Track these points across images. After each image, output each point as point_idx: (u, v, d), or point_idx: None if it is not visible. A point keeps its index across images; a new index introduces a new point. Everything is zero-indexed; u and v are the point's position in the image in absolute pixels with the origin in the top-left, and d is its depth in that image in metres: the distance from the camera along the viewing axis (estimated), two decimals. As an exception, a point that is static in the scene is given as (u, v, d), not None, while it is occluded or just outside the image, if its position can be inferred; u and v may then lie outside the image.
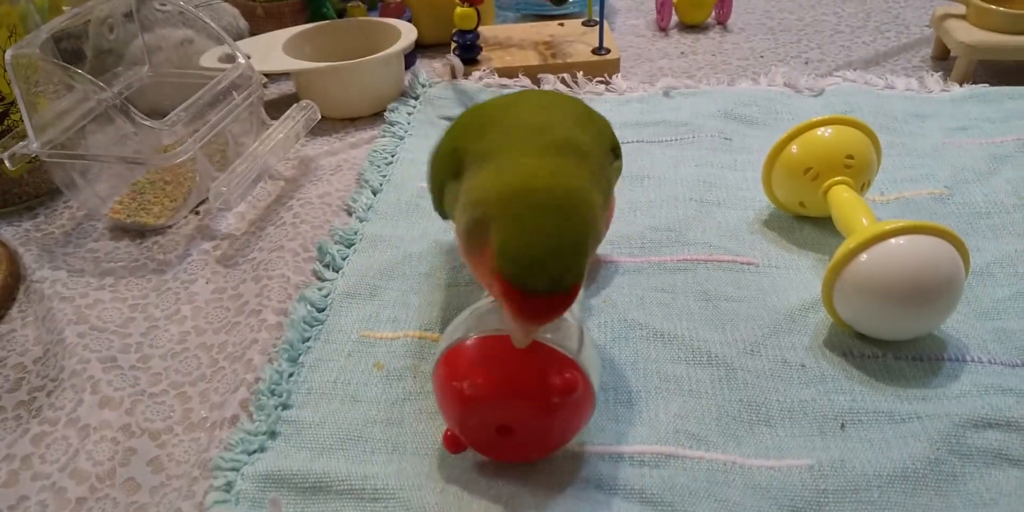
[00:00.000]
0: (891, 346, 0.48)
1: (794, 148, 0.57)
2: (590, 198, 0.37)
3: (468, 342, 0.40)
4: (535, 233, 0.35)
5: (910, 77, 0.81)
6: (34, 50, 0.59)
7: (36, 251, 0.64)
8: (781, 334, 0.49)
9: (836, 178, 0.55)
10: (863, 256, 0.46)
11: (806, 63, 0.88)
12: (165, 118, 0.60)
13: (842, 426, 0.43)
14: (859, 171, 0.56)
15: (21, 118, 0.67)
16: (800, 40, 0.94)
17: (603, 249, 0.58)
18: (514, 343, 0.38)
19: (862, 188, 0.57)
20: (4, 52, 0.65)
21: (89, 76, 0.61)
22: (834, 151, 0.56)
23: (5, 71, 0.66)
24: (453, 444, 0.42)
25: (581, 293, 0.49)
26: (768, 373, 0.47)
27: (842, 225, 0.53)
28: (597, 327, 0.51)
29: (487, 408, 0.39)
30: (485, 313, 0.42)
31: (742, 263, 0.56)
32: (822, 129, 0.57)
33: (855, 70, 0.83)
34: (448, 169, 0.43)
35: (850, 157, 0.56)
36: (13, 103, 0.67)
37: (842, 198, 0.54)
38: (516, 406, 0.39)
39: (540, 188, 0.36)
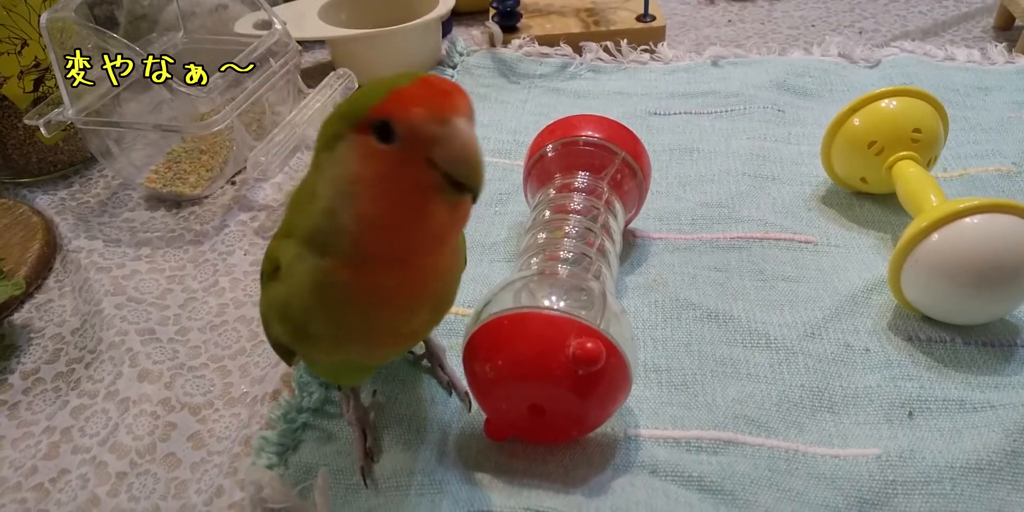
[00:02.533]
0: (960, 330, 0.46)
1: (857, 121, 0.54)
2: None
3: (487, 323, 0.39)
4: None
5: (971, 48, 0.77)
6: (69, 14, 0.58)
7: (72, 220, 0.63)
8: (843, 316, 0.47)
9: (902, 153, 0.53)
10: (935, 236, 0.44)
11: (860, 33, 0.84)
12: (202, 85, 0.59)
13: (910, 414, 0.41)
14: (926, 146, 0.53)
15: (56, 84, 0.66)
16: (853, 9, 0.90)
17: (651, 225, 0.56)
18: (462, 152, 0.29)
19: (928, 164, 0.54)
20: (39, 17, 0.64)
21: (125, 41, 0.59)
22: (900, 124, 0.53)
23: (41, 36, 0.65)
24: (496, 431, 0.40)
25: (617, 267, 0.47)
26: (830, 357, 0.45)
27: (909, 203, 0.50)
28: (648, 306, 0.49)
29: (512, 389, 0.38)
30: (501, 292, 0.40)
31: (800, 241, 0.53)
32: (887, 101, 0.54)
33: (912, 40, 0.79)
34: None
35: (917, 131, 0.53)
36: (48, 69, 0.65)
37: (908, 174, 0.51)
38: (541, 383, 0.37)
39: None
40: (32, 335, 0.53)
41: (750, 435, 0.40)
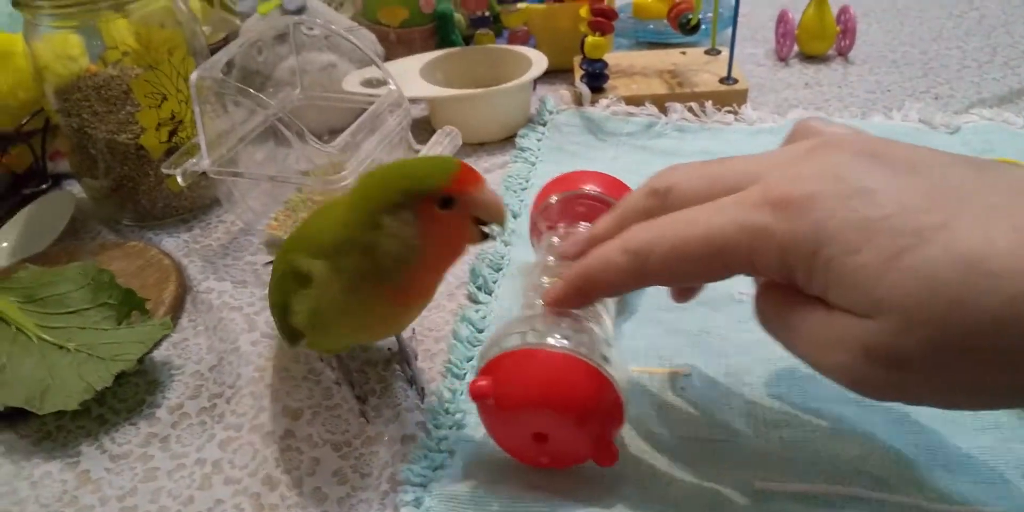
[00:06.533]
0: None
1: (953, 190, 0.57)
2: None
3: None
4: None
5: (1049, 116, 0.80)
6: (217, 74, 0.63)
7: (199, 262, 0.68)
8: (949, 378, 0.49)
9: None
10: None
11: (936, 98, 0.87)
12: (335, 141, 0.63)
13: (1026, 477, 0.43)
14: None
15: (189, 136, 0.71)
16: (926, 75, 0.93)
17: (750, 282, 0.59)
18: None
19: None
20: (176, 73, 0.70)
21: (261, 96, 0.64)
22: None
23: (178, 91, 0.70)
24: (606, 458, 0.43)
25: (614, 311, 0.51)
26: (940, 417, 0.47)
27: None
28: (759, 363, 0.51)
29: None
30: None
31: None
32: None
33: (990, 107, 0.82)
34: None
35: (1014, 201, 0.55)
36: (182, 122, 0.71)
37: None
38: (544, 411, 0.41)
39: None
40: (173, 372, 0.56)
41: (874, 491, 0.42)
